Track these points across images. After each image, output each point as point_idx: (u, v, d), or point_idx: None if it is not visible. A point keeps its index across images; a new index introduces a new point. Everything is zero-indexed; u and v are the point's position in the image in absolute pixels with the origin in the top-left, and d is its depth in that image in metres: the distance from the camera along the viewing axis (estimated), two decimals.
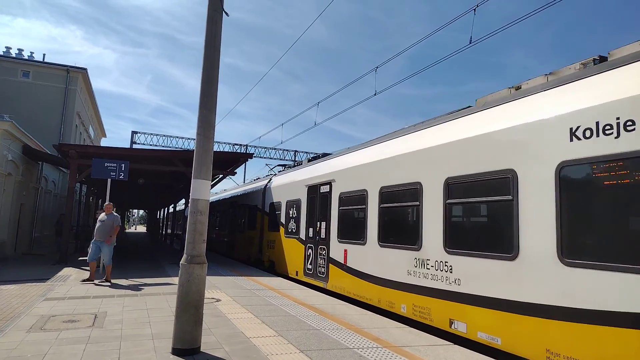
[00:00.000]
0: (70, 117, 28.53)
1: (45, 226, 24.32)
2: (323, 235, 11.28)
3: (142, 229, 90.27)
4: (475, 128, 6.86)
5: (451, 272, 6.79)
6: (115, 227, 11.52)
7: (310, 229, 12.19)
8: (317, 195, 11.93)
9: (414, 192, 7.95)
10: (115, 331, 6.29)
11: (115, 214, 11.94)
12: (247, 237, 18.92)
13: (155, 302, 8.62)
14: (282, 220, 14.40)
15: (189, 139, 35.47)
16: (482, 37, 9.96)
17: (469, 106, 7.77)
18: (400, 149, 8.64)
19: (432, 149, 7.68)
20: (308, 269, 12.09)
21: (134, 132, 34.58)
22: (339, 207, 10.58)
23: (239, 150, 35.82)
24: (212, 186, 21.53)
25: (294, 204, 13.53)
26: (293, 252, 13.31)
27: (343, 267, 10.10)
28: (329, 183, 11.20)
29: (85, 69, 29.80)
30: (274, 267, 14.99)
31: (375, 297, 8.76)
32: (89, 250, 11.39)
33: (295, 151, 38.71)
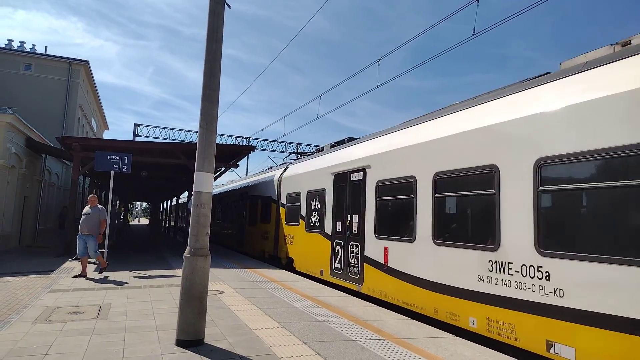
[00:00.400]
0: (72, 110, 28.55)
1: (49, 219, 24.44)
2: (355, 230, 9.89)
3: (145, 221, 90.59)
4: (576, 94, 5.40)
5: (548, 280, 5.34)
6: (102, 220, 11.32)
7: (339, 223, 10.82)
8: (347, 184, 10.53)
9: (485, 178, 6.43)
10: (119, 323, 6.35)
11: (101, 206, 11.65)
12: (260, 231, 17.56)
13: (159, 294, 8.68)
14: (303, 212, 13.05)
15: (191, 131, 35.50)
16: (485, 28, 9.89)
17: (547, 73, 6.52)
18: (465, 125, 7.08)
19: (516, 123, 6.07)
20: (336, 269, 10.62)
21: (136, 125, 34.60)
22: (376, 198, 9.18)
23: (241, 143, 35.78)
24: (215, 179, 21.45)
25: (317, 194, 12.18)
26: (317, 248, 11.83)
27: (383, 267, 8.67)
28: (363, 170, 9.79)
29: (87, 62, 29.75)
30: (293, 265, 13.60)
31: (430, 306, 7.25)
32: (77, 245, 11.15)
33: (298, 143, 38.69)
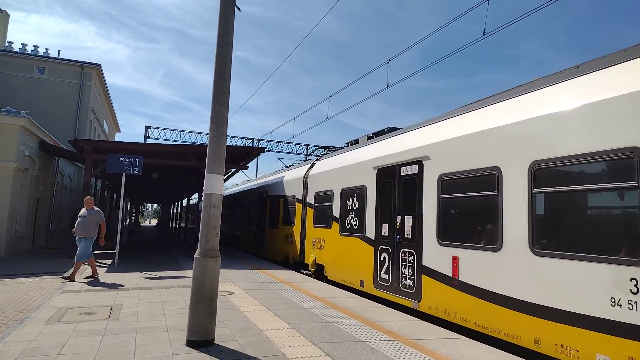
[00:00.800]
0: (85, 113, 28.90)
1: (61, 220, 24.73)
2: (408, 234, 8.39)
3: (155, 222, 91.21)
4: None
5: None
6: (101, 223, 10.96)
7: (384, 226, 9.28)
8: (396, 180, 9.01)
9: (624, 166, 4.83)
10: (130, 323, 6.41)
11: (97, 208, 11.22)
12: (282, 234, 15.97)
13: (169, 295, 8.74)
14: (335, 213, 11.54)
15: (201, 133, 35.68)
16: (496, 28, 9.83)
17: None
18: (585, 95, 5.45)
19: None
20: (382, 279, 9.10)
21: (147, 127, 34.88)
22: (438, 196, 7.63)
23: (251, 144, 35.92)
24: (225, 180, 21.44)
25: (355, 192, 10.65)
26: (355, 255, 10.34)
27: (451, 281, 7.08)
28: (418, 162, 8.29)
29: (99, 65, 30.09)
30: (324, 273, 12.07)
31: (529, 335, 5.69)
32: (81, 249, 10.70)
33: (307, 145, 38.69)
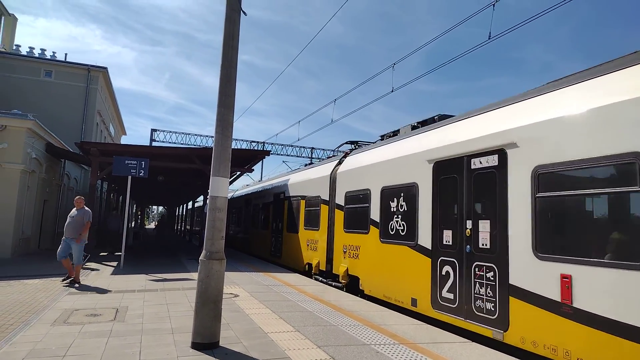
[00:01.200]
0: (91, 116, 29.11)
1: None
2: (484, 243, 6.70)
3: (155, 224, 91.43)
4: None
5: None
6: (86, 222, 10.61)
7: (447, 232, 7.62)
8: (463, 175, 7.32)
9: None
10: (136, 325, 6.43)
11: (87, 208, 10.95)
12: (304, 240, 14.23)
13: (174, 297, 8.76)
14: (374, 216, 9.87)
15: (206, 136, 35.78)
16: (501, 32, 9.78)
17: None
18: None
19: None
20: (444, 299, 7.39)
21: (153, 130, 35.03)
22: (534, 194, 5.89)
23: (256, 148, 36.01)
24: (230, 183, 21.35)
25: (401, 191, 9.01)
26: (403, 267, 8.67)
27: (559, 308, 5.40)
28: (499, 151, 6.58)
29: (105, 68, 30.30)
30: (359, 286, 10.34)
31: None
32: (59, 248, 10.42)
33: (312, 148, 38.74)
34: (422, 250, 8.14)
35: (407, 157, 8.95)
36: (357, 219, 10.68)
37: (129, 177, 13.73)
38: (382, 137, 11.28)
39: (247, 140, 37.10)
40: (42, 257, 16.68)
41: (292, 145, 38.10)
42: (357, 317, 7.45)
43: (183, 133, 35.72)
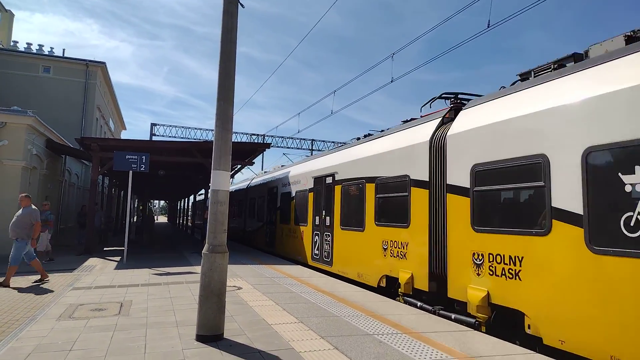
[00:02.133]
0: (90, 111, 29.07)
1: (70, 218, 24.94)
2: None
3: (162, 218, 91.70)
4: None
5: None
6: (35, 223, 9.77)
7: None
8: None
9: None
10: (141, 319, 6.48)
11: (34, 207, 10.06)
12: (377, 241, 9.89)
13: (178, 291, 8.82)
14: (566, 204, 5.45)
15: (206, 129, 35.71)
16: (500, 20, 9.71)
17: None
18: None
19: None
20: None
21: (153, 124, 34.95)
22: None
23: (256, 140, 35.97)
24: (231, 176, 21.03)
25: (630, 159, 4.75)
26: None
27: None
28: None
29: (104, 63, 30.20)
30: (525, 328, 5.87)
31: None
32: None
33: (313, 140, 38.70)
34: None
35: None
36: (508, 210, 6.51)
37: (130, 172, 13.76)
38: (515, 83, 7.37)
39: (247, 133, 37.08)
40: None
41: (292, 138, 38.08)
42: (359, 307, 7.50)
43: (183, 127, 35.64)
